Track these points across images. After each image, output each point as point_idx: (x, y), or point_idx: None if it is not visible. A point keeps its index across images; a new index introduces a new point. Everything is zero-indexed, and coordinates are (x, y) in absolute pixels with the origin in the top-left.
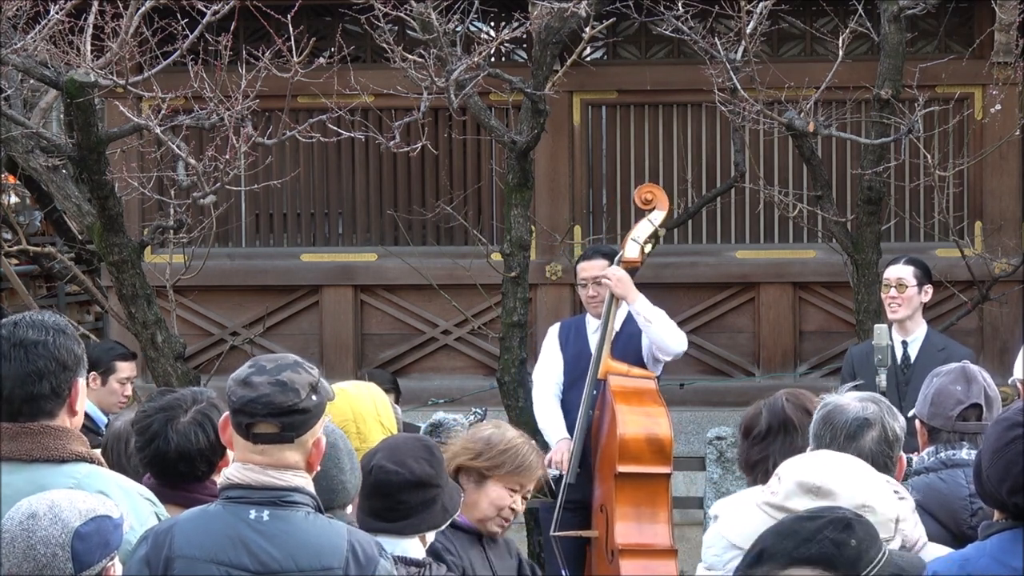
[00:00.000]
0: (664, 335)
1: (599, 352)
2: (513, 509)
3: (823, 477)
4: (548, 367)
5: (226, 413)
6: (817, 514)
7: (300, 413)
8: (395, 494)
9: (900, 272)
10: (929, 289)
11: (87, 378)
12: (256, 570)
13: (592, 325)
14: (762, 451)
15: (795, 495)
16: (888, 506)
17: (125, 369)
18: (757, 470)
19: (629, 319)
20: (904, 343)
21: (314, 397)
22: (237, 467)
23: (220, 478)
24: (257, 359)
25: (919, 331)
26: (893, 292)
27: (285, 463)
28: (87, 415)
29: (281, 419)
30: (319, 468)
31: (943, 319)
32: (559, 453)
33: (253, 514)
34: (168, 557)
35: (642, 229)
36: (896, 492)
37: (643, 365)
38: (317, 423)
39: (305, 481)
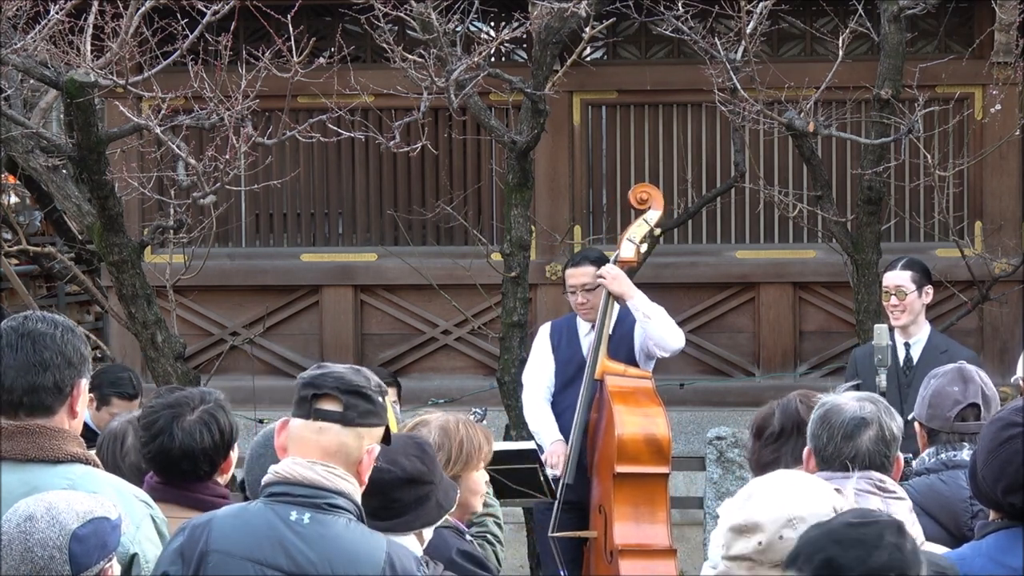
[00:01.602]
0: (663, 331)
1: (596, 353)
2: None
3: (744, 514)
4: (539, 370)
5: (284, 418)
6: (866, 518)
7: (366, 399)
8: (388, 492)
9: (898, 279)
10: (930, 290)
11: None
12: (291, 571)
13: (584, 327)
14: (774, 452)
15: (734, 541)
16: (819, 506)
17: (120, 407)
18: (768, 471)
19: (621, 320)
20: (907, 345)
21: (380, 399)
22: (286, 462)
23: (267, 474)
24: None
25: (922, 333)
26: (894, 300)
27: (337, 451)
28: (84, 423)
29: (347, 397)
30: None
31: (943, 319)
32: (555, 456)
33: (294, 515)
34: (203, 551)
35: (637, 229)
36: (893, 492)
37: (635, 364)
38: (376, 428)
39: (352, 487)
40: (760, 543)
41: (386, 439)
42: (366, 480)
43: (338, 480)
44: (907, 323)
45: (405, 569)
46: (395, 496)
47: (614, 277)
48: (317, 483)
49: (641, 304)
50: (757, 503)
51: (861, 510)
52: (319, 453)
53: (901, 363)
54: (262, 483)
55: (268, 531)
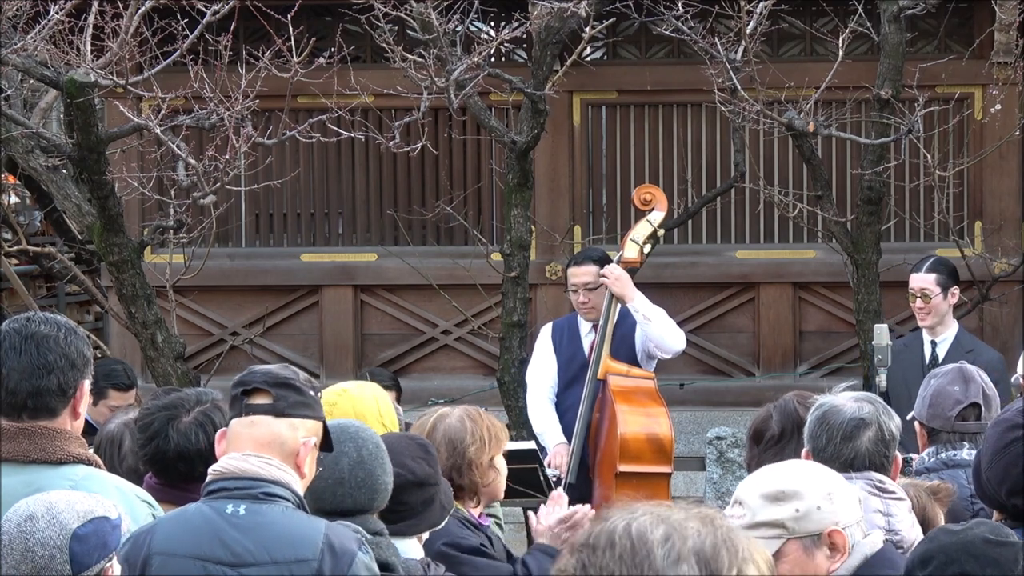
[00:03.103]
0: (663, 333)
1: (599, 352)
2: None
3: (782, 482)
4: (542, 369)
5: (223, 428)
6: (1002, 538)
7: (295, 391)
8: (397, 495)
9: (923, 282)
10: (956, 291)
11: None
12: (231, 562)
13: (585, 326)
14: (776, 455)
15: (764, 507)
16: (847, 489)
17: (117, 398)
18: None
19: (621, 319)
20: (933, 343)
21: (312, 392)
22: (223, 459)
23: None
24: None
25: (949, 332)
26: (919, 303)
27: (271, 442)
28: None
29: (276, 389)
30: (365, 470)
31: None
32: (558, 456)
33: (230, 508)
34: (147, 555)
35: (641, 230)
36: (893, 493)
37: (637, 364)
38: (310, 420)
39: (290, 477)
40: (798, 510)
41: (326, 446)
42: (307, 473)
43: (273, 470)
44: (933, 324)
45: (344, 548)
46: (403, 499)
47: (617, 277)
48: (252, 473)
49: (641, 306)
50: (793, 474)
51: (994, 525)
52: (253, 445)
53: (927, 361)
54: (204, 484)
55: (206, 527)
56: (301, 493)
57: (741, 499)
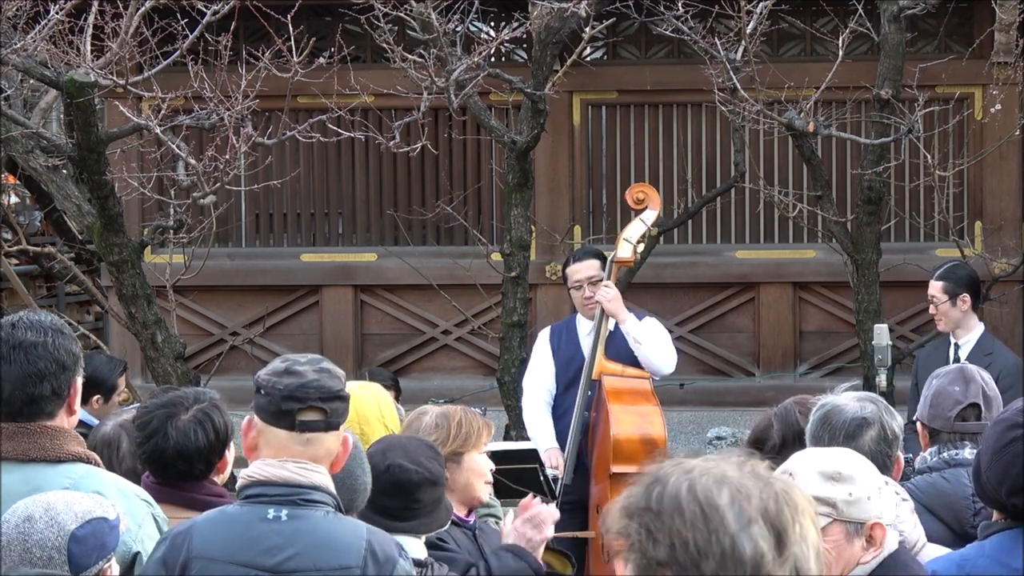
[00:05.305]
0: (653, 356)
1: (593, 353)
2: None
3: (840, 464)
4: (539, 373)
5: (248, 416)
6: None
7: (343, 401)
8: (414, 493)
9: (932, 288)
10: (966, 297)
11: (90, 402)
12: (274, 569)
13: (584, 327)
14: (776, 464)
15: (819, 484)
16: (889, 493)
17: (123, 382)
18: None
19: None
20: (956, 346)
21: (346, 390)
22: (257, 464)
23: (240, 478)
24: (284, 356)
25: (972, 334)
26: (931, 308)
27: (326, 456)
28: (80, 420)
29: (329, 404)
30: (345, 469)
31: None
32: (551, 461)
33: (271, 513)
34: (186, 558)
35: (634, 229)
36: (897, 493)
37: (637, 365)
38: (347, 417)
39: (326, 479)
40: (851, 494)
41: None
42: (341, 465)
43: (311, 474)
44: (948, 329)
45: (386, 555)
46: (418, 497)
47: (609, 299)
48: (291, 481)
49: (632, 329)
50: (850, 460)
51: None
52: (307, 460)
53: (950, 363)
54: (237, 486)
55: (247, 532)
56: (334, 489)
57: (793, 471)
